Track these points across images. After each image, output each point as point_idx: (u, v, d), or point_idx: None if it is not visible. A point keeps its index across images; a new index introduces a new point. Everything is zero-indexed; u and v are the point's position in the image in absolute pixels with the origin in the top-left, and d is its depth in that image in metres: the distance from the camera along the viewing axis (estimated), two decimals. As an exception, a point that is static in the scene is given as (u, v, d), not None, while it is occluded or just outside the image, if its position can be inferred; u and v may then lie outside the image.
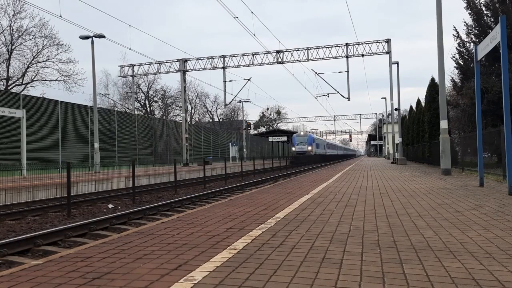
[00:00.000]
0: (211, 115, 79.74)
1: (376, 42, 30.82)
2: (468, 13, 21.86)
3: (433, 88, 24.46)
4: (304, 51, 31.82)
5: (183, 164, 32.57)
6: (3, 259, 5.62)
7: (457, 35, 22.93)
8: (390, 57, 30.94)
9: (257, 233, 4.72)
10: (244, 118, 63.67)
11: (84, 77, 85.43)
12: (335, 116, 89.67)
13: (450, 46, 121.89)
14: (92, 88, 25.25)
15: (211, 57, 34.07)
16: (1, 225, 8.40)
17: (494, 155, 15.33)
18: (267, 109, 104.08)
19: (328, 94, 40.44)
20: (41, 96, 33.78)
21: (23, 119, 17.87)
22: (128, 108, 55.29)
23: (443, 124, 15.32)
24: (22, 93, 31.42)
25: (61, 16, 21.64)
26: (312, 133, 73.75)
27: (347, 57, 31.00)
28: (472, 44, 21.44)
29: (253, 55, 32.93)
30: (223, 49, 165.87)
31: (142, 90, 60.31)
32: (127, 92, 56.63)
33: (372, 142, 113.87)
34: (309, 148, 55.12)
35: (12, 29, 37.50)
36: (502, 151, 10.47)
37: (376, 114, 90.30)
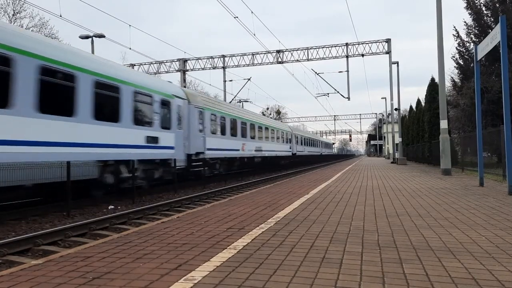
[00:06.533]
0: (211, 115, 79.60)
1: (376, 42, 30.84)
2: (468, 13, 21.89)
3: (433, 88, 24.47)
4: (304, 51, 31.83)
5: None
6: (3, 259, 5.61)
7: (457, 35, 22.98)
8: (390, 57, 30.98)
9: (257, 232, 4.72)
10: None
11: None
12: (335, 116, 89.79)
13: (450, 46, 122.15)
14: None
15: (211, 57, 34.10)
16: (1, 224, 8.39)
17: (494, 155, 15.33)
18: (267, 109, 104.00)
19: (328, 94, 40.63)
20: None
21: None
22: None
23: (443, 124, 15.32)
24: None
25: (61, 16, 21.65)
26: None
27: (347, 57, 31.05)
28: (472, 44, 21.47)
29: (253, 55, 32.94)
30: (223, 49, 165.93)
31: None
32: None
33: (372, 142, 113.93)
34: None
35: (12, 29, 37.52)
36: (502, 151, 10.47)
37: (376, 114, 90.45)
